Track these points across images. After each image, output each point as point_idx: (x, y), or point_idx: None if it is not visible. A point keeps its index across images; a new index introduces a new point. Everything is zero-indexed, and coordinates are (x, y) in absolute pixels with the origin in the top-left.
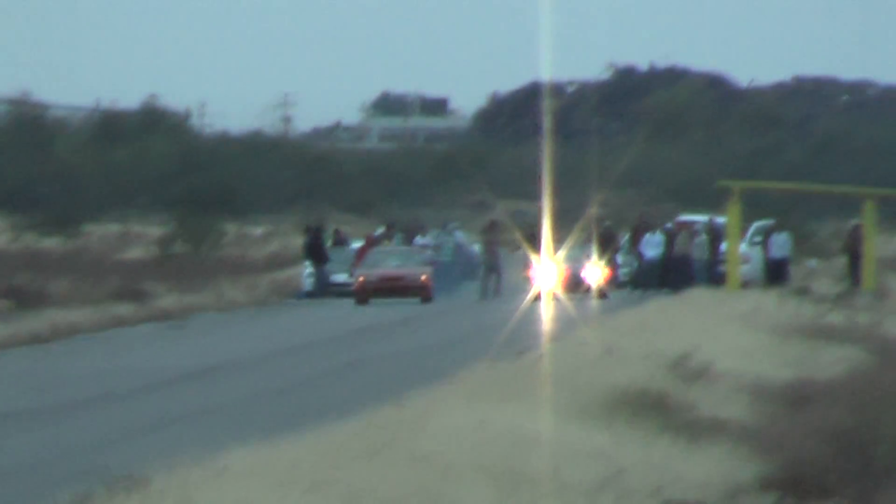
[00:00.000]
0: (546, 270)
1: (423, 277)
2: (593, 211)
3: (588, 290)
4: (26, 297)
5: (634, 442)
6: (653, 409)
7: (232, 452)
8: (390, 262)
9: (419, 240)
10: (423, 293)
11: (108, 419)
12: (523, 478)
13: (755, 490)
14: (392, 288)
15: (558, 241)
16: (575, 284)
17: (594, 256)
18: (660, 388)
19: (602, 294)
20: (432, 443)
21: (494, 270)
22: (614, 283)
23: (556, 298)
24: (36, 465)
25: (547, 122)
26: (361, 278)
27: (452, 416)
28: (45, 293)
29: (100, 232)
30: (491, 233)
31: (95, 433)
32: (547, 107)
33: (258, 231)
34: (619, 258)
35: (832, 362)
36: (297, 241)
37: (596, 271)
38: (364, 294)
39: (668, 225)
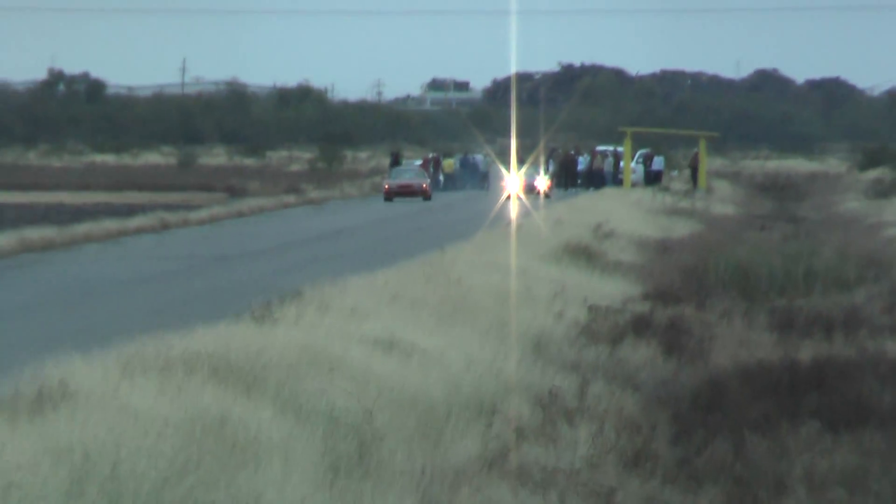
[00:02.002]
0: (513, 181)
1: (424, 185)
2: (541, 149)
3: (538, 192)
4: (235, 191)
5: (572, 273)
6: (582, 254)
7: (349, 278)
8: (405, 176)
9: (452, 159)
10: (424, 195)
11: (279, 260)
12: (510, 292)
13: (639, 300)
14: (406, 191)
15: (521, 164)
16: (530, 189)
17: (542, 173)
18: (586, 243)
19: (546, 195)
20: (460, 272)
21: (486, 179)
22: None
23: (518, 198)
24: (239, 285)
25: (514, 98)
26: (387, 185)
27: (470, 258)
28: (245, 189)
29: (277, 156)
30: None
31: (272, 268)
32: (514, 89)
33: (364, 155)
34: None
35: (682, 228)
36: (385, 161)
37: (543, 181)
38: (390, 194)
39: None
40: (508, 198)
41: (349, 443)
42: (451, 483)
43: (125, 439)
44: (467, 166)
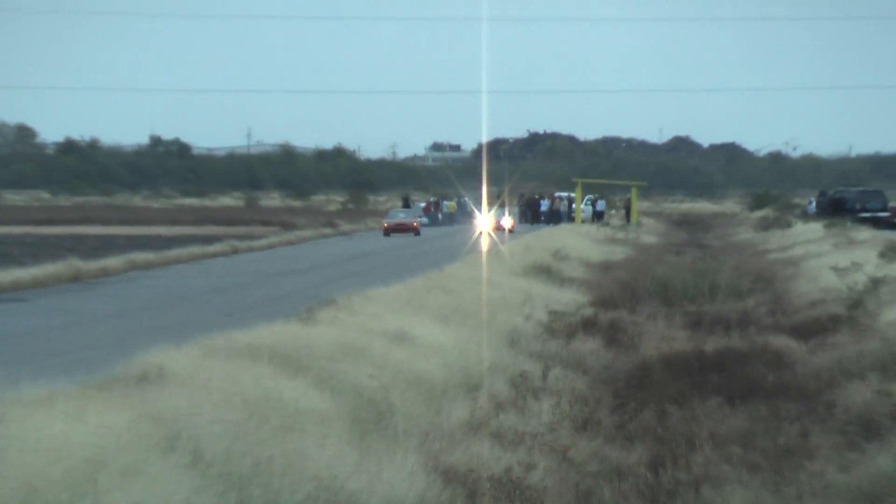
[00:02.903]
0: (484, 220)
1: (415, 223)
2: (505, 196)
3: (503, 229)
4: (286, 225)
5: (537, 285)
6: (544, 271)
7: (370, 289)
8: (399, 215)
9: (443, 204)
10: (415, 231)
11: (318, 275)
12: (491, 300)
13: (587, 306)
14: (400, 229)
15: (490, 207)
16: (498, 227)
17: (507, 214)
18: (547, 263)
19: (511, 230)
20: (452, 285)
21: (472, 216)
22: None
23: (489, 234)
24: (289, 295)
25: (484, 158)
26: (385, 224)
27: (459, 274)
28: (294, 224)
29: (317, 199)
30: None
31: (313, 281)
32: (485, 150)
33: (382, 199)
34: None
35: (619, 253)
36: (398, 203)
37: (507, 220)
38: (387, 231)
39: (552, 196)
40: (480, 234)
41: (371, 412)
42: (446, 441)
43: (204, 408)
44: (460, 207)
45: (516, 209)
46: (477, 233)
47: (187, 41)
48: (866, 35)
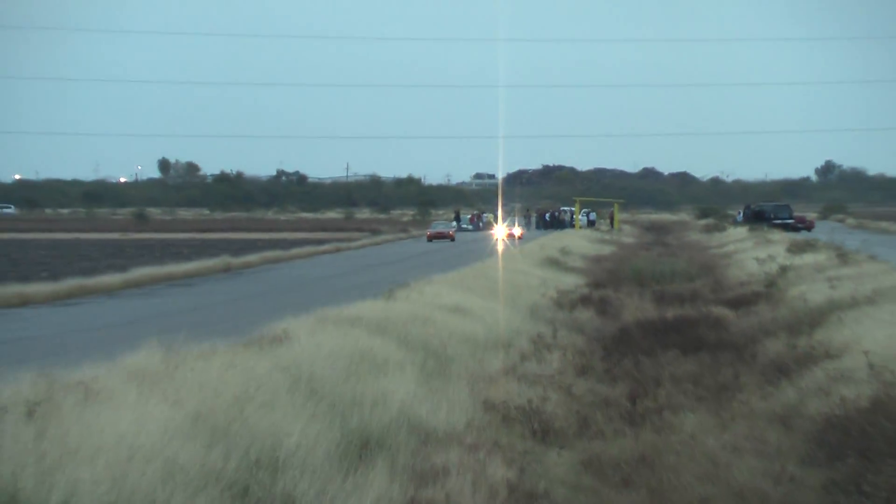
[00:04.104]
0: (500, 230)
1: (451, 232)
2: (516, 212)
3: (514, 237)
4: (374, 232)
5: (549, 273)
6: (554, 263)
7: (432, 277)
8: (440, 226)
9: (483, 216)
10: (451, 238)
11: (395, 267)
12: (517, 283)
13: (584, 287)
14: (439, 236)
15: (505, 220)
16: (511, 235)
17: (517, 225)
18: (556, 257)
19: (520, 237)
20: (490, 273)
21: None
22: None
23: (503, 241)
24: (375, 280)
25: (500, 186)
26: (429, 233)
27: (495, 265)
28: (380, 230)
29: (396, 213)
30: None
31: (392, 271)
32: (501, 182)
33: (441, 212)
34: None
35: (606, 249)
36: (450, 216)
37: (518, 230)
38: (431, 238)
39: (558, 210)
40: (496, 240)
41: (434, 361)
42: (487, 381)
43: (318, 360)
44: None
45: (530, 220)
46: (495, 239)
47: (302, 103)
48: (775, 94)
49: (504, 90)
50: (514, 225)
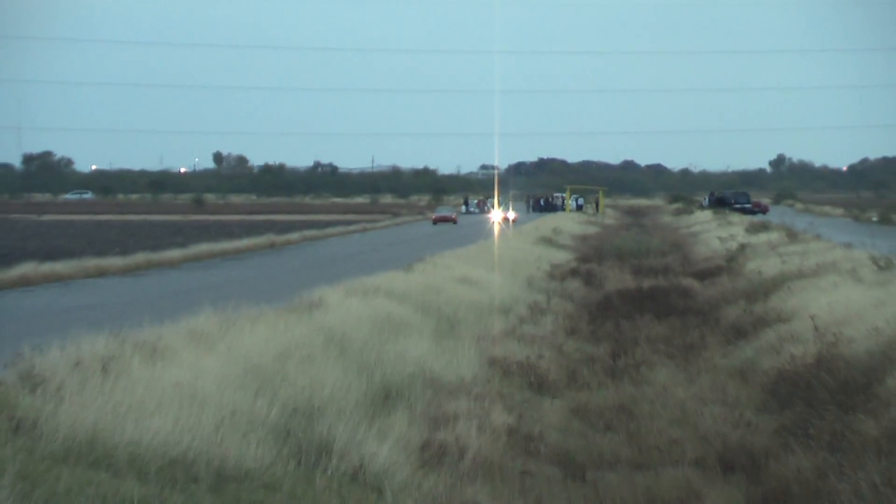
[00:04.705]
0: (496, 214)
1: (454, 216)
2: (510, 198)
3: (508, 220)
4: (396, 214)
5: (543, 249)
6: (548, 241)
7: (443, 252)
8: (443, 211)
9: (487, 201)
10: (453, 221)
11: (413, 245)
12: (516, 258)
13: (573, 261)
14: (443, 220)
15: (501, 205)
16: (506, 219)
17: (511, 209)
18: (549, 236)
19: (514, 221)
20: (492, 249)
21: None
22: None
23: (499, 223)
24: (388, 259)
25: (496, 176)
26: (434, 216)
27: (496, 243)
28: (400, 213)
29: (414, 199)
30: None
31: (410, 248)
32: (497, 171)
33: (452, 198)
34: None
35: (592, 230)
36: (459, 201)
37: (512, 213)
38: (435, 221)
39: (552, 196)
40: (493, 223)
41: (446, 324)
42: (490, 340)
43: (347, 323)
44: (487, 206)
45: (530, 203)
46: (492, 222)
47: (336, 106)
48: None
49: (505, 94)
50: (508, 210)
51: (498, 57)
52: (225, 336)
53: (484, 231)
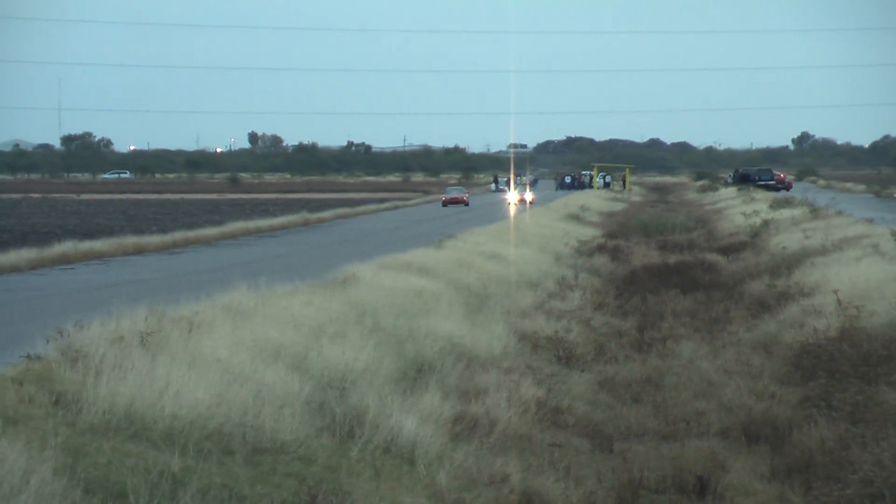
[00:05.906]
0: (512, 195)
1: (465, 197)
2: (526, 178)
3: (525, 201)
4: (427, 192)
5: (571, 226)
6: (575, 218)
7: (473, 229)
8: (453, 192)
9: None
10: (465, 203)
11: (443, 221)
12: (544, 234)
13: (600, 237)
14: (454, 202)
15: (517, 185)
16: (522, 200)
17: (528, 190)
18: (576, 213)
19: (531, 202)
20: (521, 226)
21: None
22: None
23: (516, 204)
24: (419, 235)
25: (512, 156)
26: (444, 198)
27: (525, 220)
28: (430, 191)
29: (445, 177)
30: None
31: (440, 224)
32: (513, 151)
33: (482, 176)
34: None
35: (619, 206)
36: (489, 179)
37: (529, 195)
38: (445, 203)
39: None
40: (509, 203)
41: (476, 299)
42: (519, 315)
43: (379, 298)
44: (502, 184)
45: (561, 180)
46: (508, 203)
47: (369, 86)
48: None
49: (534, 74)
50: (525, 190)
51: (528, 38)
52: (261, 311)
53: (509, 210)
